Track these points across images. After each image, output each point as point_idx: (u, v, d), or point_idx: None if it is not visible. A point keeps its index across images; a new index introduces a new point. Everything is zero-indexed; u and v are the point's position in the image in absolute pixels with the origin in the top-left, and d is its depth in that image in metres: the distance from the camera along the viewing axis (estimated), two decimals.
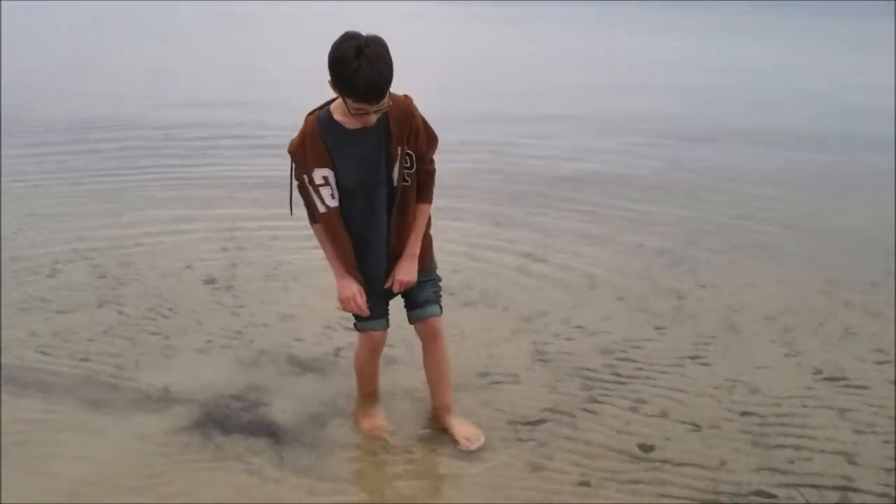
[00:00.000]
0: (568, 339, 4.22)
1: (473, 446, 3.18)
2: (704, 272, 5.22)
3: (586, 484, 3.01)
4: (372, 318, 3.08)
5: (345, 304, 2.99)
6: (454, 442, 3.21)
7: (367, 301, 2.99)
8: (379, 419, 3.36)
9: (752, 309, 4.62)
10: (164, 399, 3.58)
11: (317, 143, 2.76)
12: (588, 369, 3.88)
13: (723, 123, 11.15)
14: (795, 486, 2.99)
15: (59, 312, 4.51)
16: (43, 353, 4.02)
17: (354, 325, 3.16)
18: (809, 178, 7.99)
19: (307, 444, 3.23)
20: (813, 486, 2.99)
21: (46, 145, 9.14)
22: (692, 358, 4.01)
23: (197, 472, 3.05)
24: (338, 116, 2.74)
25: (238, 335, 4.23)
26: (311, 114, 2.83)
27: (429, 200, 3.00)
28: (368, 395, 3.41)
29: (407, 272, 2.97)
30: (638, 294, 4.85)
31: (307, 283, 4.91)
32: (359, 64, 2.46)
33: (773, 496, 2.93)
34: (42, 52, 15.41)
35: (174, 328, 4.33)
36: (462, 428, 3.26)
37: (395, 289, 3.01)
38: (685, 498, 2.92)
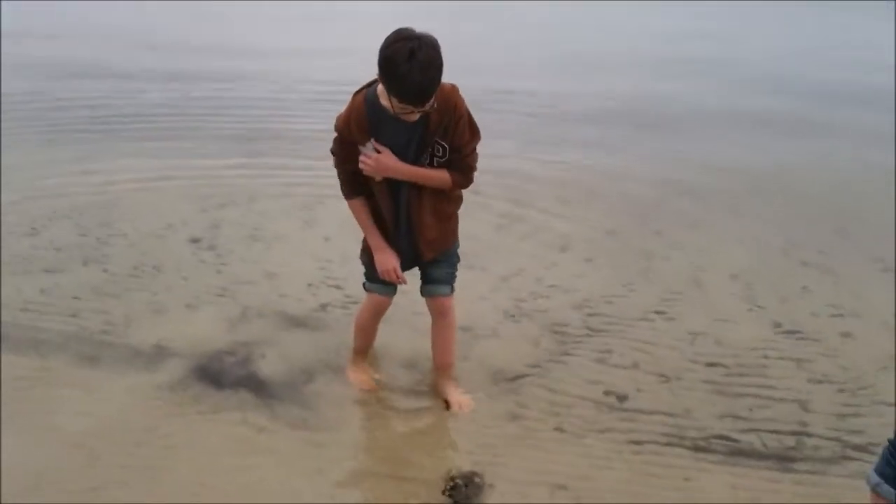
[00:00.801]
0: (543, 297, 4.40)
1: (463, 410, 3.33)
2: (672, 232, 5.42)
3: (560, 430, 3.22)
4: (383, 282, 3.20)
5: (386, 275, 3.10)
6: (446, 403, 3.37)
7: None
8: (367, 374, 3.53)
9: (716, 267, 4.84)
10: (156, 355, 3.71)
11: (362, 122, 2.80)
12: (562, 324, 4.08)
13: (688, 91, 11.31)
14: (755, 431, 3.23)
15: (44, 271, 4.58)
16: (32, 311, 4.11)
17: (364, 283, 3.30)
18: (773, 140, 8.20)
19: (298, 397, 3.39)
20: (771, 432, 3.23)
21: (13, 94, 9.00)
22: (660, 313, 4.23)
23: (194, 424, 3.21)
24: (383, 101, 2.71)
25: (224, 292, 4.35)
26: (358, 92, 2.83)
27: (455, 179, 2.94)
28: (362, 350, 3.58)
29: (387, 159, 2.85)
30: (609, 254, 5.04)
31: (289, 242, 5.02)
32: (409, 67, 2.45)
33: (735, 440, 3.17)
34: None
35: (160, 286, 4.43)
36: (457, 394, 3.41)
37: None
38: (653, 443, 3.14)
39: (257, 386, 3.46)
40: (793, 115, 8.91)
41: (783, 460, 3.05)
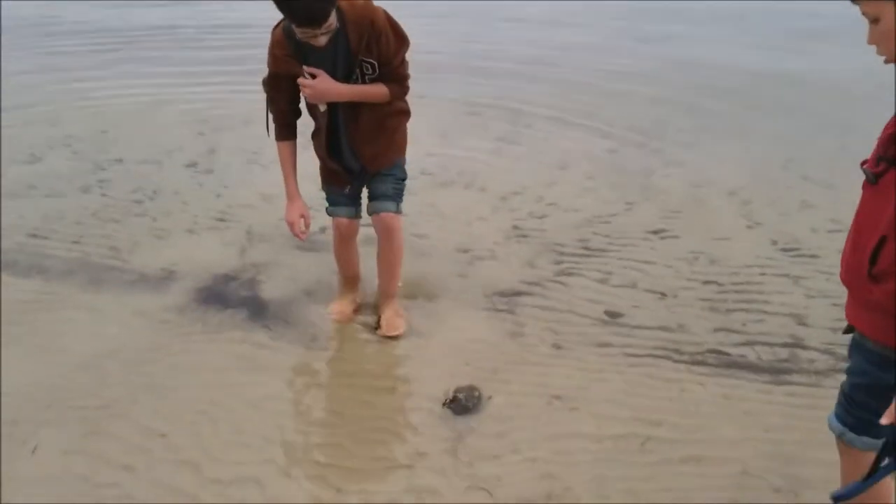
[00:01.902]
0: (541, 217, 4.42)
1: (389, 333, 3.28)
2: (672, 151, 5.40)
3: (557, 346, 3.28)
4: (338, 205, 3.21)
5: (289, 227, 3.14)
6: (376, 325, 3.36)
7: (344, 187, 3.16)
8: (346, 305, 3.46)
9: (715, 184, 4.84)
10: (161, 278, 3.76)
11: (286, 50, 2.80)
12: (560, 244, 4.11)
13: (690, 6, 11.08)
14: (749, 344, 3.29)
15: (46, 197, 4.61)
16: (36, 236, 4.15)
17: (326, 209, 3.29)
18: (772, 59, 8.08)
19: (300, 317, 3.44)
20: (765, 345, 3.29)
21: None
22: (658, 232, 4.25)
23: (199, 344, 3.27)
24: None
25: (224, 216, 4.38)
26: (276, 27, 2.83)
27: (392, 90, 2.94)
28: (345, 279, 3.54)
29: (324, 83, 2.84)
30: (608, 173, 5.04)
31: None
32: None
33: (729, 354, 3.22)
34: None
35: (160, 210, 4.46)
36: (391, 316, 3.35)
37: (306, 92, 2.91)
38: (649, 356, 3.20)
39: (260, 306, 3.52)
40: (796, 27, 8.75)
41: (777, 372, 3.11)
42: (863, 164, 1.74)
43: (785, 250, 4.06)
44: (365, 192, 3.25)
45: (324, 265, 3.81)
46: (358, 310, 3.48)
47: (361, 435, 2.77)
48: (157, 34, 8.88)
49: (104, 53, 8.04)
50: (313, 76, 2.82)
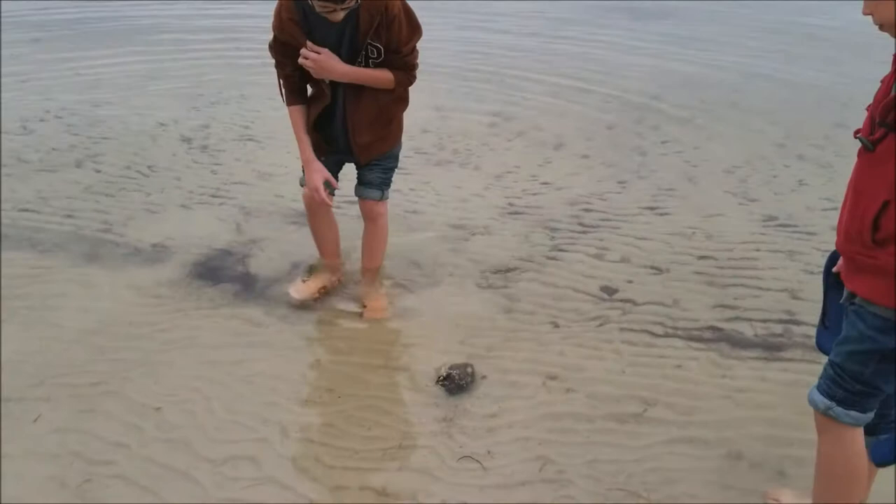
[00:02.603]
0: (536, 194, 4.40)
1: (376, 315, 3.29)
2: (667, 128, 5.38)
3: (552, 323, 3.27)
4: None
5: (311, 193, 3.00)
6: (361, 307, 3.34)
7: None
8: (314, 286, 3.38)
9: (710, 162, 4.83)
10: (154, 253, 3.74)
11: (293, 17, 2.73)
12: (555, 221, 4.09)
13: None
14: (745, 320, 3.29)
15: (38, 171, 4.57)
16: (28, 210, 4.12)
17: (299, 179, 3.18)
18: (771, 33, 8.03)
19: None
20: (760, 321, 3.29)
21: None
22: (653, 208, 4.24)
23: (193, 319, 3.26)
24: None
25: (218, 192, 4.35)
26: None
27: (398, 78, 2.88)
28: (323, 252, 3.45)
29: (328, 59, 2.77)
30: (602, 150, 5.01)
31: (281, 141, 4.97)
32: None
33: (724, 330, 3.23)
34: None
35: (154, 185, 4.43)
36: (374, 298, 3.36)
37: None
38: (645, 332, 3.20)
39: (254, 283, 3.51)
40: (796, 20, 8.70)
41: (772, 348, 3.11)
42: (856, 133, 1.74)
43: (780, 226, 4.06)
44: (348, 169, 3.22)
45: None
46: (326, 290, 3.41)
47: (355, 413, 2.77)
48: (150, 4, 8.78)
49: (97, 23, 7.94)
50: (317, 52, 2.76)
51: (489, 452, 2.58)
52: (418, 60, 2.91)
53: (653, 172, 4.68)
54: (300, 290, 3.35)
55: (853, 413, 1.87)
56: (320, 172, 2.97)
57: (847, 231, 1.77)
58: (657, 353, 3.10)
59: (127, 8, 8.69)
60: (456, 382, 2.88)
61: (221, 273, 3.58)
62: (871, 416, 1.90)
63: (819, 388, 1.93)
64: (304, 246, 3.75)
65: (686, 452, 2.59)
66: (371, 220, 3.25)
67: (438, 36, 7.61)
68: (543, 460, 2.55)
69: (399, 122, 3.12)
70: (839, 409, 1.88)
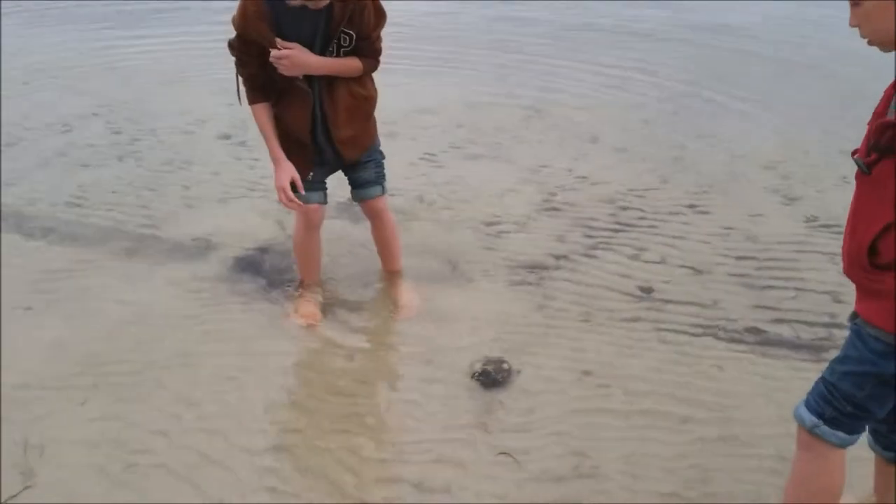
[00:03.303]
0: (572, 190, 4.38)
1: (408, 315, 3.28)
2: (706, 123, 5.31)
3: (587, 321, 3.25)
4: (308, 190, 2.97)
5: (278, 192, 2.91)
6: (394, 306, 3.33)
7: (307, 173, 2.96)
8: (312, 306, 3.29)
9: (750, 158, 4.76)
10: (194, 247, 3.79)
11: (262, 15, 2.64)
12: (591, 218, 4.06)
13: None
14: (786, 321, 3.24)
15: (81, 167, 4.66)
16: (72, 205, 4.20)
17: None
18: (811, 26, 7.89)
19: (332, 288, 3.45)
20: (802, 323, 3.23)
21: None
22: (691, 206, 4.19)
23: (230, 313, 3.29)
24: None
25: (256, 187, 4.39)
26: None
27: (366, 65, 2.84)
28: (308, 276, 3.37)
29: (301, 55, 2.70)
30: (640, 145, 4.96)
31: None
32: None
33: (764, 331, 3.18)
34: None
35: (193, 180, 4.49)
36: (404, 296, 3.36)
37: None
38: (682, 332, 3.17)
39: (290, 277, 3.52)
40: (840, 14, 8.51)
41: (814, 350, 3.06)
42: (854, 153, 1.70)
43: (822, 227, 3.99)
44: (335, 178, 3.15)
45: (354, 237, 3.81)
46: (322, 307, 3.32)
47: (390, 406, 2.78)
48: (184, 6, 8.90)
49: (136, 20, 8.06)
50: (289, 48, 2.69)
51: (524, 447, 2.57)
52: (382, 45, 2.87)
53: (691, 167, 4.63)
54: (306, 313, 3.25)
55: (840, 434, 1.82)
56: (288, 172, 2.88)
57: (848, 255, 1.74)
58: (695, 352, 3.06)
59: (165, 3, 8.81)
60: (491, 377, 2.88)
61: (258, 267, 3.62)
62: (857, 438, 1.85)
63: (807, 403, 1.88)
64: (341, 242, 3.77)
65: (724, 451, 2.56)
66: (378, 217, 3.23)
67: (470, 25, 7.61)
68: (579, 456, 2.54)
69: (374, 121, 3.05)
70: (826, 429, 1.82)
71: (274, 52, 2.68)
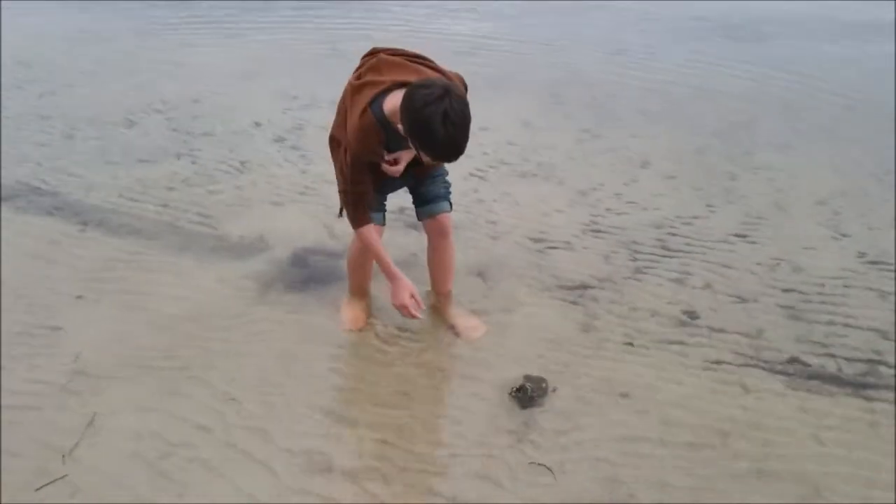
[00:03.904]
0: (620, 214, 4.36)
1: (474, 335, 3.25)
2: (760, 154, 5.26)
3: (630, 344, 3.24)
4: (371, 210, 2.96)
5: (402, 310, 2.96)
6: (454, 331, 3.28)
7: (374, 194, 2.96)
8: (360, 312, 3.34)
9: (803, 191, 4.69)
10: (243, 246, 3.87)
11: (381, 140, 2.69)
12: (638, 242, 4.05)
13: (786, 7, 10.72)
14: (830, 356, 3.19)
15: (139, 161, 4.79)
16: (128, 198, 4.32)
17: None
18: (878, 61, 7.76)
19: (379, 296, 3.47)
20: (846, 359, 3.18)
21: None
22: (740, 236, 4.15)
23: (277, 314, 3.36)
24: (391, 116, 2.60)
25: (308, 191, 4.47)
26: (364, 113, 2.63)
27: None
28: (359, 289, 3.39)
29: (404, 159, 2.83)
30: (691, 172, 4.93)
31: None
32: (446, 132, 2.36)
33: (808, 364, 3.14)
34: None
35: (247, 181, 4.58)
36: (463, 319, 3.32)
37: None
38: (724, 361, 3.14)
39: (337, 282, 3.57)
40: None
41: (858, 387, 3.01)
42: None
43: (873, 263, 3.92)
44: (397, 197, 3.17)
45: (405, 245, 3.85)
46: (368, 316, 3.37)
47: (428, 418, 2.81)
48: (252, 8, 9.07)
49: (202, 24, 8.25)
50: (395, 160, 2.80)
51: (559, 467, 2.58)
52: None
53: (742, 198, 4.58)
54: (353, 318, 3.31)
55: None
56: (407, 288, 2.93)
57: None
58: (737, 381, 3.03)
59: (231, 8, 9.00)
60: (529, 395, 2.89)
61: (307, 270, 3.68)
62: None
63: None
64: (392, 248, 3.79)
65: (765, 487, 2.53)
66: (443, 236, 3.19)
67: (528, 43, 7.63)
68: (613, 481, 2.53)
69: None
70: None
71: (390, 163, 2.79)
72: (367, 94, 2.62)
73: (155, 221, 4.08)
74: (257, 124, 5.45)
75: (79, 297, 3.43)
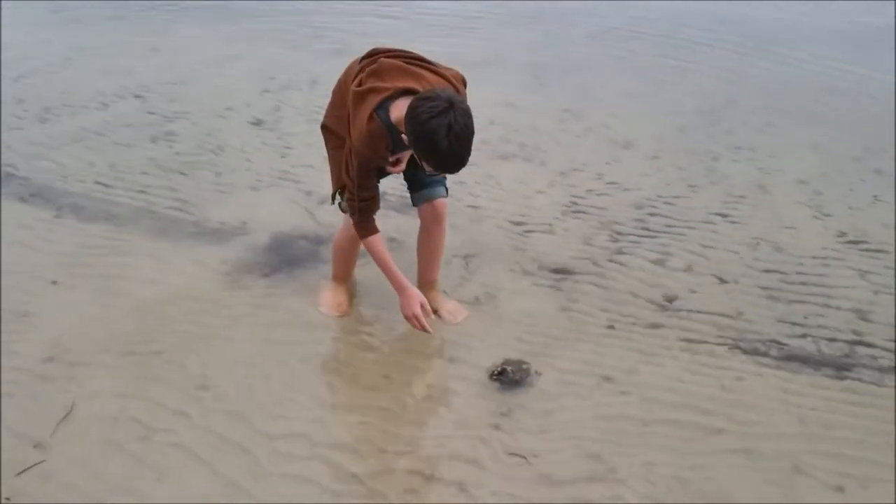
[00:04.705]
0: (601, 194, 4.35)
1: (457, 320, 3.24)
2: (742, 134, 5.26)
3: (611, 327, 3.24)
4: None
5: (412, 320, 2.90)
6: (436, 315, 3.21)
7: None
8: (343, 297, 3.32)
9: (784, 172, 4.70)
10: (221, 231, 3.83)
11: (388, 144, 2.67)
12: (619, 223, 4.04)
13: None
14: (810, 337, 3.20)
15: (114, 145, 4.72)
16: (102, 183, 4.26)
17: (339, 205, 3.03)
18: (856, 42, 7.77)
19: (358, 281, 3.46)
20: (826, 339, 3.19)
21: None
22: (721, 216, 4.15)
23: (256, 298, 3.33)
24: (396, 122, 2.59)
25: (287, 175, 4.42)
26: (371, 119, 2.60)
27: None
28: (342, 277, 3.37)
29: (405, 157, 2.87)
30: (673, 153, 4.92)
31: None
32: (449, 145, 2.37)
33: (787, 345, 3.15)
34: None
35: (225, 165, 4.52)
36: (446, 303, 3.30)
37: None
38: (705, 342, 3.15)
39: (317, 266, 3.54)
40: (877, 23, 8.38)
41: (837, 368, 3.02)
42: None
43: (852, 243, 3.93)
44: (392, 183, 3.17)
45: (384, 230, 3.80)
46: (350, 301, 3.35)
47: (409, 400, 2.79)
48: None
49: (178, 9, 8.12)
50: (398, 160, 2.81)
51: (541, 448, 2.58)
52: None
53: (724, 178, 4.58)
54: (337, 303, 3.29)
55: None
56: (417, 298, 2.89)
57: None
58: (717, 363, 3.04)
59: None
60: (510, 378, 2.88)
61: (286, 255, 3.64)
62: None
63: None
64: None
65: (743, 464, 2.55)
66: (438, 222, 3.16)
67: (509, 25, 7.59)
68: (596, 460, 2.54)
69: None
70: None
71: (393, 162, 2.81)
72: (372, 101, 2.61)
73: (131, 207, 4.02)
74: (233, 107, 5.38)
75: (54, 282, 3.38)
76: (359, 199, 2.79)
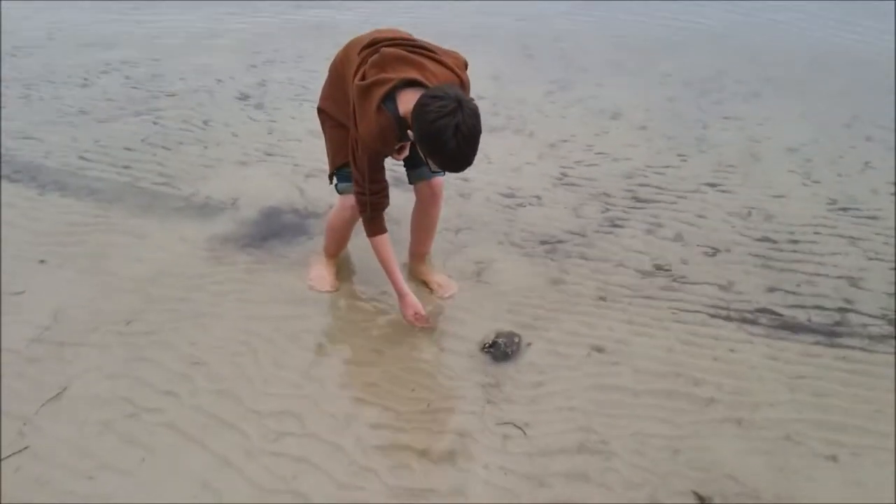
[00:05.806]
0: (591, 165, 4.32)
1: (447, 293, 3.23)
2: (730, 103, 5.23)
3: (602, 298, 3.22)
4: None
5: (414, 320, 2.95)
6: (428, 289, 3.27)
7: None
8: (334, 274, 3.30)
9: (774, 140, 4.68)
10: (209, 207, 3.78)
11: (396, 134, 2.62)
12: (609, 194, 4.02)
13: None
14: (801, 306, 3.20)
15: (98, 122, 4.65)
16: (86, 159, 4.20)
17: (336, 185, 3.03)
18: (843, 11, 7.73)
19: (347, 255, 3.43)
20: (818, 308, 3.19)
21: None
22: (712, 185, 4.13)
23: (243, 274, 3.30)
24: (404, 114, 2.55)
25: (273, 149, 4.37)
26: (380, 109, 2.56)
27: None
28: (333, 254, 3.35)
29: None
30: (662, 123, 4.89)
31: None
32: (456, 144, 2.36)
33: (779, 314, 3.14)
34: None
35: (211, 140, 4.47)
36: (436, 276, 3.31)
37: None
38: (697, 312, 3.14)
39: (305, 241, 3.52)
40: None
41: (828, 336, 3.03)
42: None
43: (843, 210, 3.93)
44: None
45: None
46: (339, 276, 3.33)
47: (399, 374, 2.78)
48: None
49: None
50: (402, 147, 2.78)
51: (532, 420, 2.57)
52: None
53: (714, 147, 4.56)
54: (328, 280, 3.27)
55: None
56: (414, 305, 2.93)
57: None
58: (708, 333, 3.03)
59: None
60: (501, 350, 2.87)
61: (273, 230, 3.61)
62: None
63: None
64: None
65: (736, 433, 2.55)
66: (435, 200, 3.15)
67: (497, 3, 7.51)
68: (587, 431, 2.53)
69: None
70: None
71: (399, 150, 2.78)
72: (378, 93, 2.57)
73: (116, 183, 3.97)
74: (220, 81, 5.31)
75: (41, 261, 3.34)
76: (370, 192, 2.74)
